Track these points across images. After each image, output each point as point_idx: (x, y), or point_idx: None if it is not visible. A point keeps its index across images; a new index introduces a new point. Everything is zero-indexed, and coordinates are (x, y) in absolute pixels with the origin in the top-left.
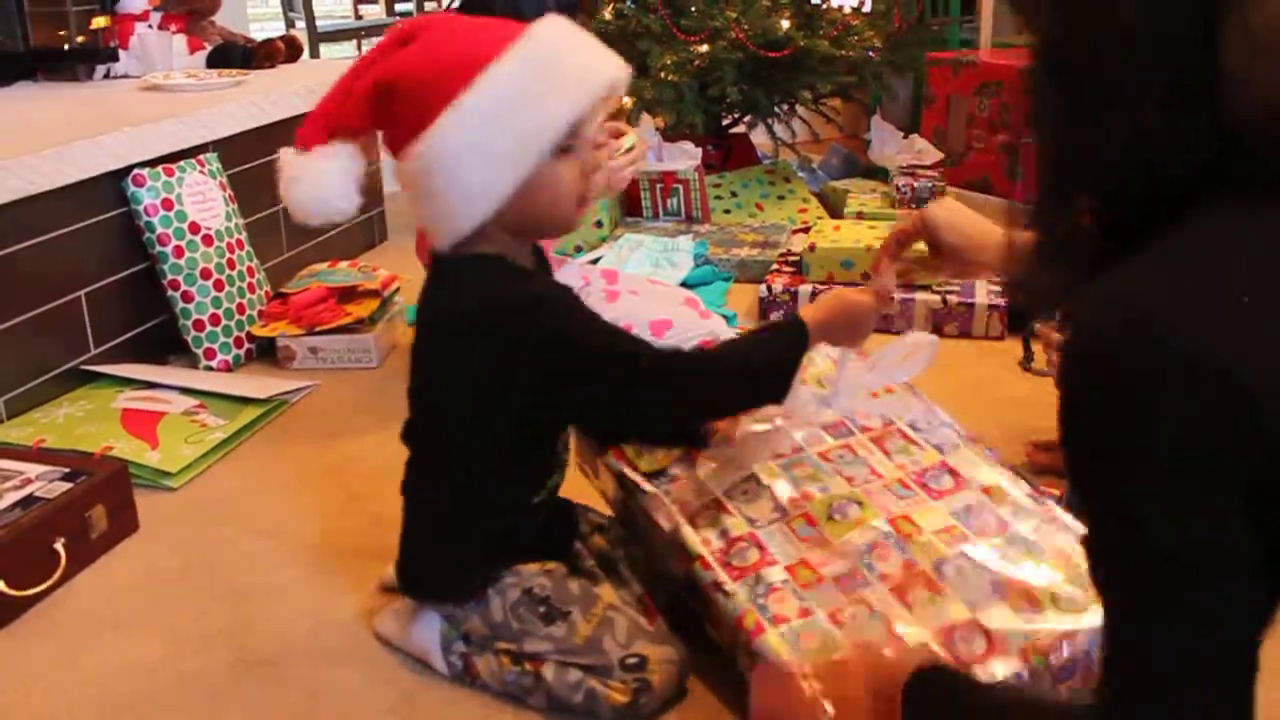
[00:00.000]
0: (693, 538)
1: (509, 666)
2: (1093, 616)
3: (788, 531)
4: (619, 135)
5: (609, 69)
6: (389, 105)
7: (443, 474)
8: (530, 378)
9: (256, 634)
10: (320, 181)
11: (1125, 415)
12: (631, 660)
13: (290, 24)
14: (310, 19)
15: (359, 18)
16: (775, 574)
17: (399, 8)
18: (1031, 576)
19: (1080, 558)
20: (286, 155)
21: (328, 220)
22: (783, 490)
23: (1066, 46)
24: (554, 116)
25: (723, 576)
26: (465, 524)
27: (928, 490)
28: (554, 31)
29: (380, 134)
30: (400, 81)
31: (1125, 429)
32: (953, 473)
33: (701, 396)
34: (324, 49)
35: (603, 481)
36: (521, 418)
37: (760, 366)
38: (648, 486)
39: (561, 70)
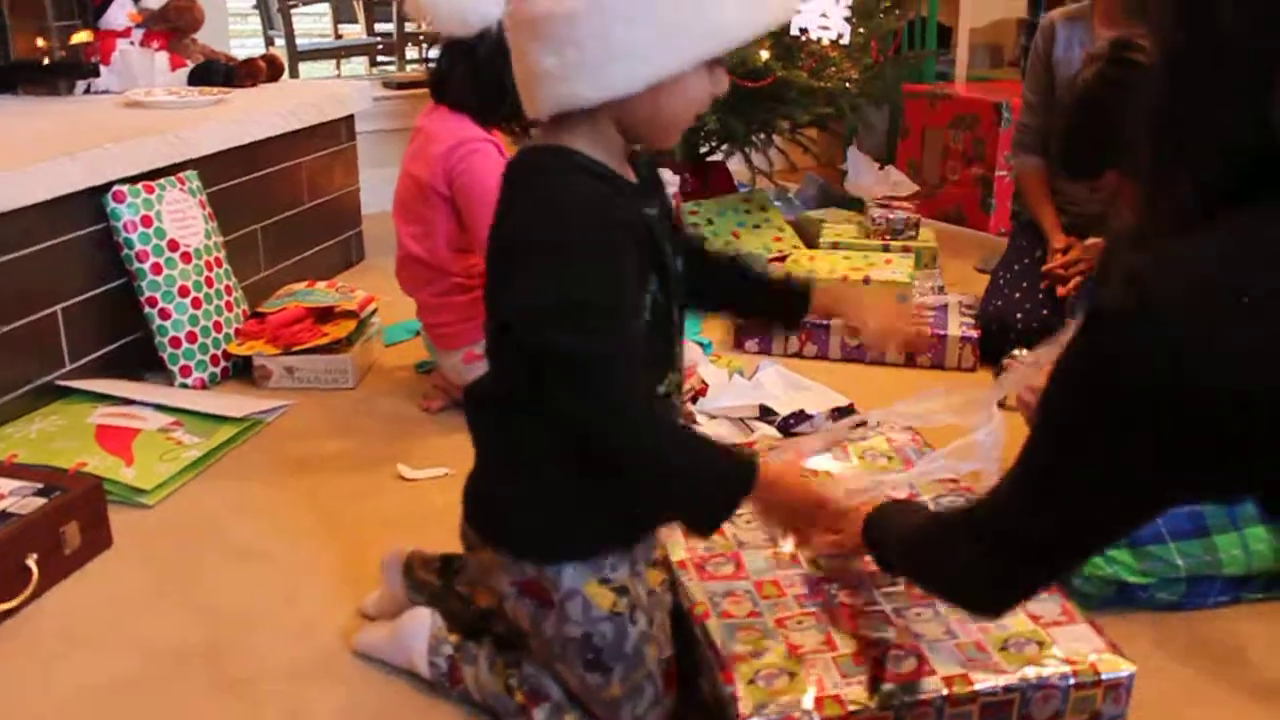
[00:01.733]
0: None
1: (499, 688)
2: (1034, 670)
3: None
4: None
5: (785, 8)
6: None
7: (511, 417)
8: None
9: (233, 652)
10: None
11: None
12: None
13: (270, 42)
14: (290, 38)
15: (339, 37)
16: (741, 585)
17: (380, 28)
18: (991, 628)
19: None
20: None
21: (468, 30)
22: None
23: (1186, 51)
24: (740, 24)
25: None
26: (548, 466)
27: None
28: None
29: None
30: None
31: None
32: None
33: (642, 465)
34: (303, 68)
35: None
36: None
37: (691, 479)
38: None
39: None
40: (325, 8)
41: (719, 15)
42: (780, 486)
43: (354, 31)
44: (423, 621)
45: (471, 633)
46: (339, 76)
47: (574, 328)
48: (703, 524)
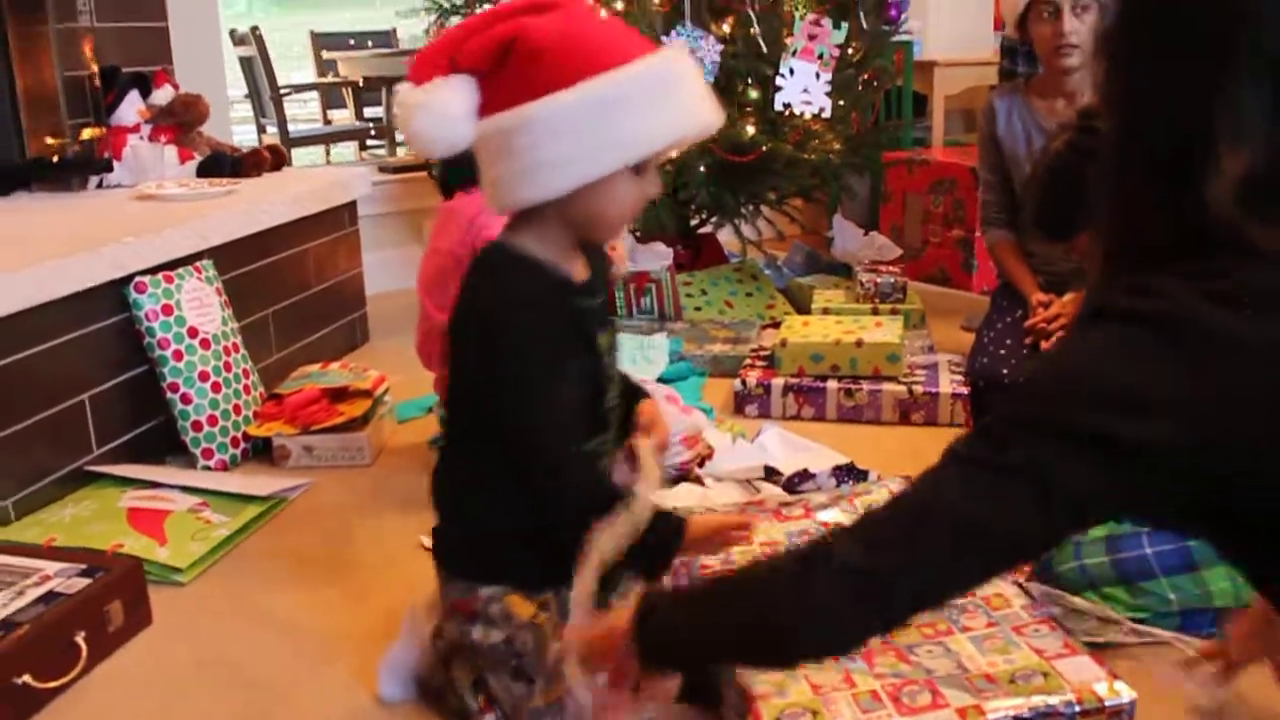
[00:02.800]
0: None
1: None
2: (1041, 699)
3: None
4: None
5: (713, 115)
6: (512, 58)
7: (476, 441)
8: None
9: (280, 715)
10: (447, 109)
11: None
12: None
13: (262, 129)
14: (282, 124)
15: (328, 123)
16: None
17: (369, 112)
18: (999, 662)
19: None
20: (405, 89)
21: (449, 150)
22: None
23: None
24: (653, 135)
25: None
26: (486, 495)
27: None
28: (685, 63)
29: (477, 81)
30: (535, 42)
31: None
32: None
33: (574, 521)
34: (295, 154)
35: None
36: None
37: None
38: None
39: (683, 96)
40: (313, 94)
41: (633, 129)
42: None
43: (342, 116)
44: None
45: None
46: (329, 162)
47: (509, 399)
48: (646, 568)
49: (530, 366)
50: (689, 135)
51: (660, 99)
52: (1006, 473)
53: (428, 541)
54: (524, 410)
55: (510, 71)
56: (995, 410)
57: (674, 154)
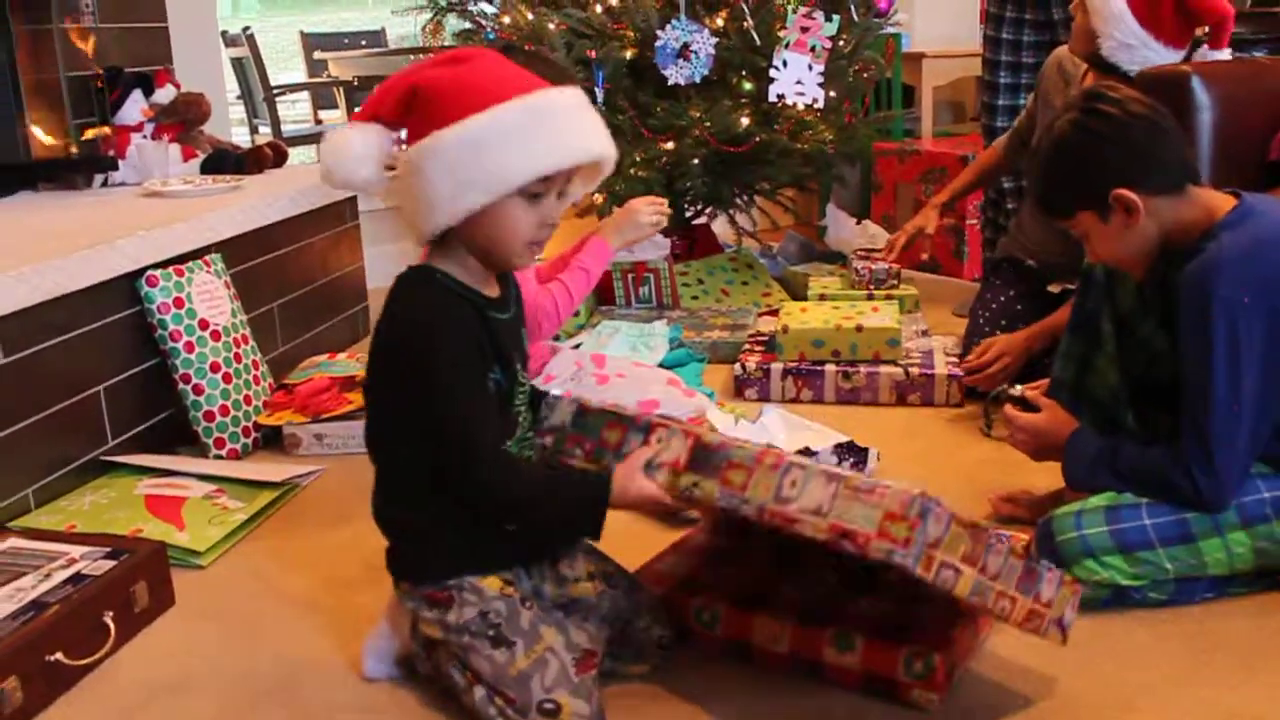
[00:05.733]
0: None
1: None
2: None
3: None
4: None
5: (595, 144)
6: (414, 106)
7: (410, 458)
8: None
9: (304, 690)
10: (347, 147)
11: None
12: (548, 705)
13: (254, 130)
14: (276, 125)
15: (319, 123)
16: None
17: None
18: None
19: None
20: (330, 132)
21: (350, 187)
22: None
23: None
24: (530, 164)
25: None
26: (432, 492)
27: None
28: (565, 97)
29: (386, 127)
30: (429, 89)
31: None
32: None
33: (511, 506)
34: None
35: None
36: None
37: (564, 503)
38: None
39: (554, 128)
40: (304, 95)
41: (504, 161)
42: (627, 489)
43: (333, 116)
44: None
45: None
46: (319, 161)
47: (441, 402)
48: (585, 534)
49: (461, 369)
50: (566, 164)
51: (532, 131)
52: None
53: None
54: (458, 410)
55: (414, 117)
56: None
57: (595, 196)
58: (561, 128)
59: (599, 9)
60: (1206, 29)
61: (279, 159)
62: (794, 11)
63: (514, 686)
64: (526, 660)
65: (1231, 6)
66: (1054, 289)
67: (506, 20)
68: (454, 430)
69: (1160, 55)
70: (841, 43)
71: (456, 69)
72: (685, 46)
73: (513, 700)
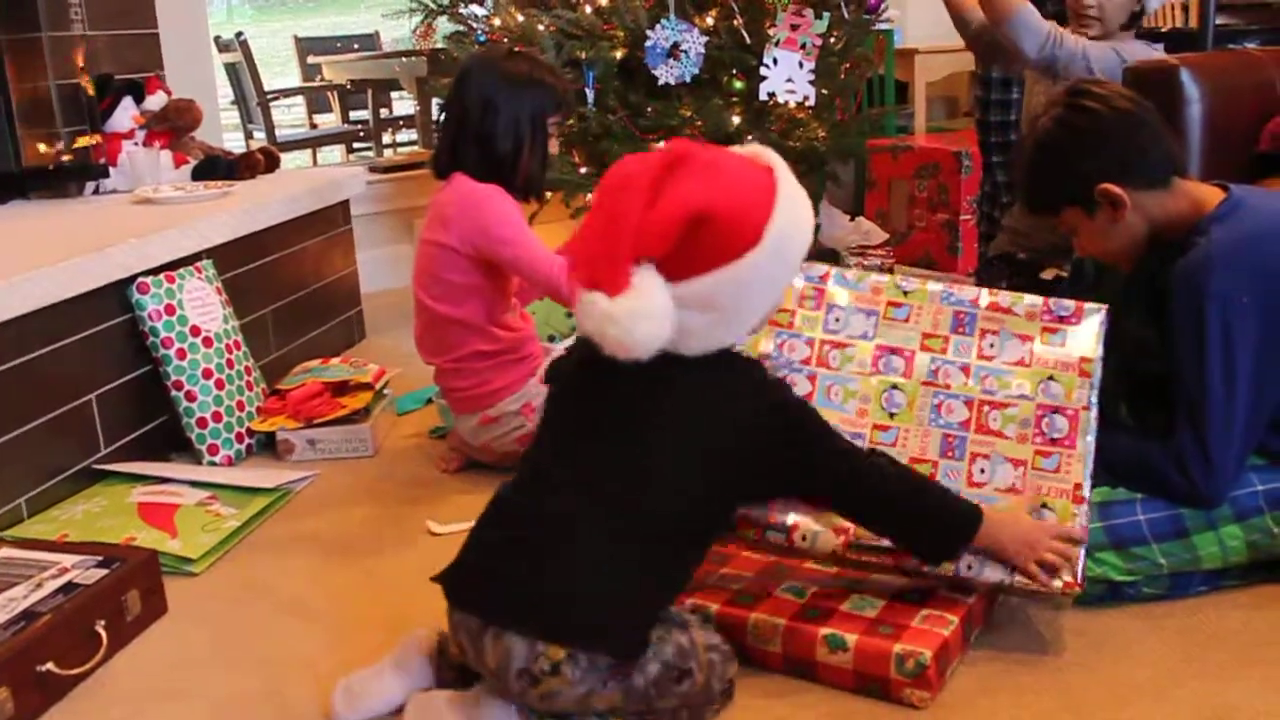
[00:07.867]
0: None
1: None
2: None
3: None
4: None
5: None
6: (700, 234)
7: (656, 541)
8: (786, 447)
9: (296, 696)
10: (656, 308)
11: None
12: (726, 687)
13: (249, 135)
14: (270, 130)
15: (314, 127)
16: None
17: (355, 115)
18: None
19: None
20: (600, 302)
21: (652, 352)
22: None
23: None
24: (804, 245)
25: None
26: (670, 586)
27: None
28: (794, 183)
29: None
30: (715, 213)
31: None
32: None
33: (875, 509)
34: (283, 159)
35: None
36: (761, 488)
37: (931, 519)
38: None
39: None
40: (298, 99)
41: (797, 256)
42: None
43: (328, 120)
44: (506, 713)
45: None
46: (315, 165)
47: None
48: (939, 558)
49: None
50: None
51: (804, 218)
52: None
53: (435, 528)
54: (825, 432)
55: (709, 243)
56: None
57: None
58: (798, 199)
59: (588, 10)
60: None
61: (271, 164)
62: (783, 9)
63: (701, 696)
64: (702, 675)
65: None
66: (1047, 275)
67: (497, 22)
68: (828, 441)
69: None
70: (832, 40)
71: (709, 181)
72: (675, 46)
73: (699, 706)
